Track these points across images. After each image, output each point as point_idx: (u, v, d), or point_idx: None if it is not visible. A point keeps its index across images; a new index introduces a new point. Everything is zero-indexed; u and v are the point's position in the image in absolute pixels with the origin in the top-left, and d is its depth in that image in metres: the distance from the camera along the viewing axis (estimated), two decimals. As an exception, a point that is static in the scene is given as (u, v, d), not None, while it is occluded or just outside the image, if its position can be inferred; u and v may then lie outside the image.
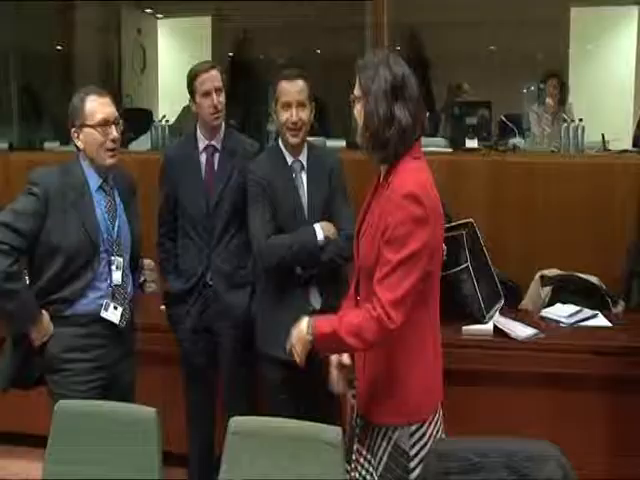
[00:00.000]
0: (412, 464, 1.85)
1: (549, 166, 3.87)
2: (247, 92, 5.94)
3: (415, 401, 1.87)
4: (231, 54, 6.51)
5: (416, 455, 1.85)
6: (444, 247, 2.16)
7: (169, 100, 6.86)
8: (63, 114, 2.44)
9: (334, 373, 1.99)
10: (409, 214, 1.73)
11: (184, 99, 5.68)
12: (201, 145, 2.85)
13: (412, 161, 1.83)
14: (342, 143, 4.50)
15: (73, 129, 2.41)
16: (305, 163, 2.67)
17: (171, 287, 2.91)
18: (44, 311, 2.38)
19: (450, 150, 4.21)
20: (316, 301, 2.62)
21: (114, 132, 2.39)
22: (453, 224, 3.08)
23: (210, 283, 2.83)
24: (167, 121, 4.74)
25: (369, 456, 1.92)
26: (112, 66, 6.79)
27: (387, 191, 1.80)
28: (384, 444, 1.88)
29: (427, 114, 1.97)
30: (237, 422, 1.85)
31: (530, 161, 3.95)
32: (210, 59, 6.80)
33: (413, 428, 1.86)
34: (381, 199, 1.83)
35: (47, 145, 5.16)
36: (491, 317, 2.97)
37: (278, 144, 2.69)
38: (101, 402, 2.07)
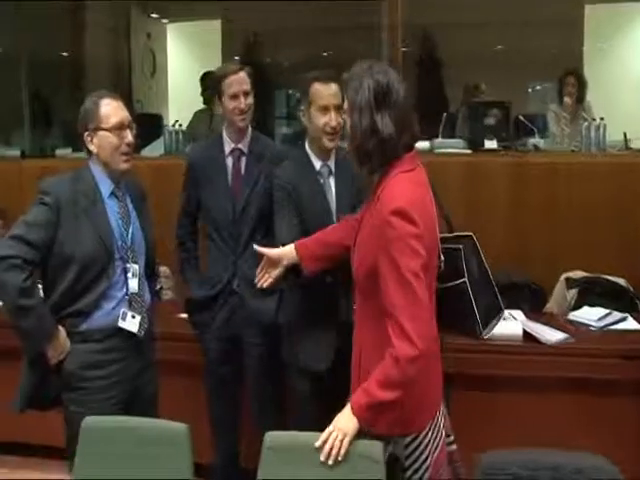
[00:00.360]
0: (407, 474, 1.83)
1: (571, 166, 3.81)
2: (257, 95, 5.90)
3: (409, 413, 1.82)
4: (241, 57, 6.46)
5: (411, 465, 1.84)
6: (442, 258, 2.09)
7: (178, 105, 6.85)
8: (73, 121, 2.41)
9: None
10: (399, 232, 1.70)
11: (193, 103, 5.75)
12: (227, 148, 2.80)
13: (403, 173, 1.79)
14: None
15: (86, 133, 2.35)
16: (333, 168, 2.59)
17: (194, 294, 2.86)
18: (61, 327, 2.30)
19: (469, 151, 4.16)
20: (343, 313, 2.50)
21: (129, 136, 2.35)
22: (451, 235, 2.94)
23: (236, 290, 2.77)
24: (180, 125, 4.71)
25: None
26: (122, 71, 6.76)
27: (377, 205, 1.78)
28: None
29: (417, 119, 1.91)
30: (272, 437, 1.80)
31: (552, 161, 3.89)
32: (220, 63, 6.80)
33: (408, 439, 1.84)
34: (372, 212, 1.81)
35: (59, 152, 5.13)
36: (488, 332, 2.84)
37: (304, 148, 2.59)
38: (129, 418, 2.03)
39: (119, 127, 2.33)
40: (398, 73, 1.85)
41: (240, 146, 2.79)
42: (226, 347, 2.80)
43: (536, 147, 4.15)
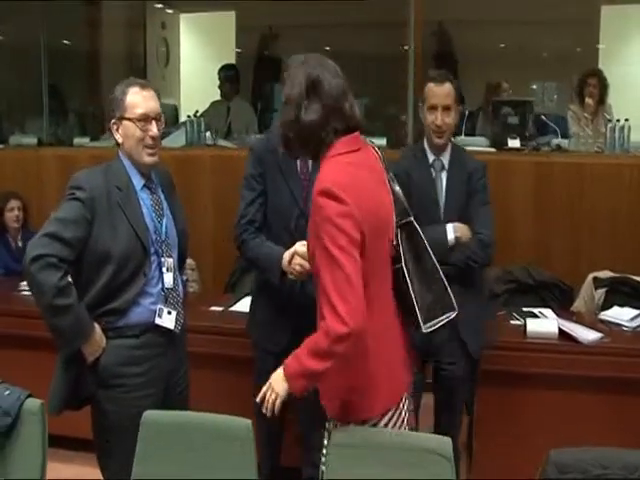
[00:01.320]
0: None
1: (596, 166, 3.85)
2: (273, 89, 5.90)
3: (359, 397, 1.83)
4: (256, 50, 6.45)
5: None
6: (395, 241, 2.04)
7: (190, 95, 6.82)
8: (89, 110, 2.34)
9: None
10: (327, 212, 1.71)
11: (205, 94, 5.72)
12: None
13: (335, 156, 1.80)
14: (382, 142, 4.47)
15: (112, 121, 2.27)
16: (446, 163, 2.73)
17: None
18: (96, 324, 2.21)
19: (493, 150, 4.18)
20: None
21: (154, 128, 2.25)
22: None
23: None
24: (202, 116, 4.70)
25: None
26: (137, 61, 6.72)
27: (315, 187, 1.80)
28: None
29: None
30: (338, 434, 1.81)
31: (577, 161, 3.93)
32: (234, 55, 6.79)
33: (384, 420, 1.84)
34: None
35: (77, 141, 5.11)
36: (429, 327, 2.73)
37: (423, 141, 2.78)
38: (190, 413, 2.02)
39: (143, 119, 2.23)
40: (334, 65, 1.87)
41: None
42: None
43: (559, 147, 4.17)
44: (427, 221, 2.46)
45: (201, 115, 4.83)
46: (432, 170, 2.72)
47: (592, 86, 4.54)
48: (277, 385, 1.79)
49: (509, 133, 4.20)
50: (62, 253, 2.12)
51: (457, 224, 2.64)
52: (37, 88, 5.52)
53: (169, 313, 2.30)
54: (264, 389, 1.82)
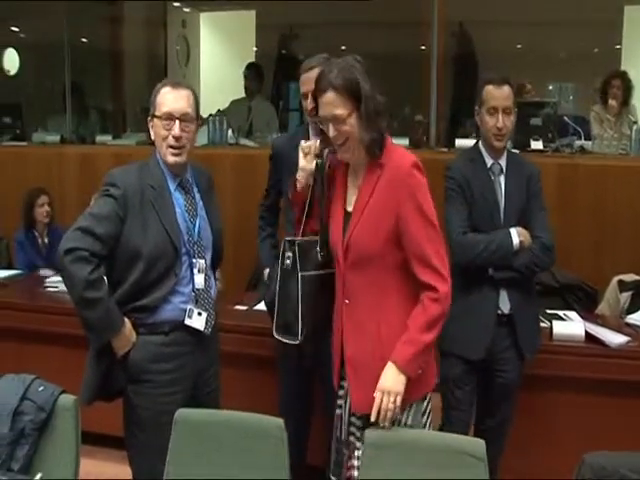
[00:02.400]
0: None
1: (621, 169, 3.84)
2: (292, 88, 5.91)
3: (428, 369, 1.95)
4: (282, 50, 6.46)
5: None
6: None
7: (210, 93, 6.84)
8: (110, 108, 2.37)
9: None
10: (420, 182, 1.89)
11: (225, 92, 5.74)
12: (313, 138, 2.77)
13: (395, 147, 1.95)
14: (405, 142, 4.47)
15: (149, 118, 2.31)
16: (504, 167, 2.68)
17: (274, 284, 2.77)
18: (126, 319, 2.24)
19: (517, 152, 4.16)
20: (505, 305, 2.60)
21: (175, 129, 2.24)
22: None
23: None
24: (223, 114, 4.72)
25: None
26: (158, 60, 6.76)
27: (384, 170, 1.87)
28: None
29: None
30: (373, 434, 1.82)
31: (601, 163, 3.91)
32: (254, 54, 6.81)
33: (425, 403, 1.95)
34: (376, 180, 1.89)
35: (99, 138, 5.15)
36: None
37: (478, 144, 2.70)
38: (222, 411, 2.03)
39: (167, 117, 2.24)
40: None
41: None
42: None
43: (582, 148, 4.16)
44: (488, 226, 2.60)
45: (222, 112, 4.86)
46: (491, 174, 2.66)
47: (616, 87, 4.52)
48: (393, 385, 1.84)
49: (532, 135, 4.19)
50: (94, 247, 2.15)
51: (520, 228, 2.60)
52: (58, 86, 5.59)
53: (199, 314, 2.31)
54: (377, 402, 1.84)
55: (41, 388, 2.04)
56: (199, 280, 2.31)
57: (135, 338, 2.25)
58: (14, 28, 7.01)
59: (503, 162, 2.68)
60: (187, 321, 2.28)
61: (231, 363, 2.98)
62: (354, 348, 1.94)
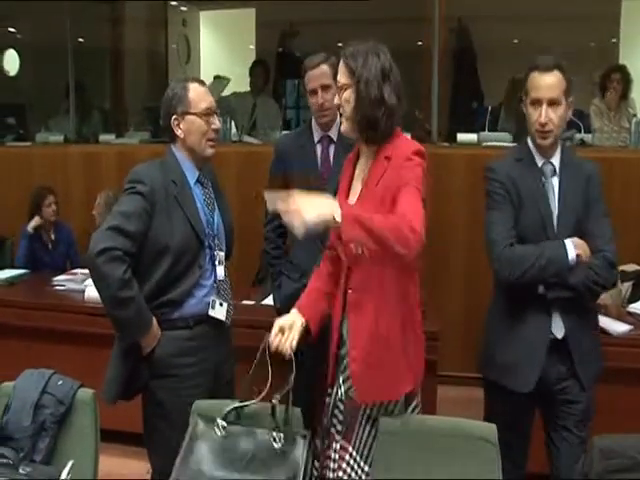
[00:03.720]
0: None
1: (621, 161, 3.88)
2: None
3: (415, 367, 1.96)
4: (279, 48, 6.49)
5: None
6: None
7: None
8: (112, 107, 2.38)
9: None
10: (420, 165, 1.86)
11: (226, 91, 5.75)
12: (317, 136, 2.76)
13: (402, 135, 1.96)
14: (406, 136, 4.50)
15: (174, 117, 2.30)
16: (558, 167, 2.32)
17: (284, 289, 2.80)
18: (153, 316, 2.27)
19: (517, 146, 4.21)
20: (558, 329, 2.27)
21: (217, 122, 2.34)
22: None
23: None
24: (228, 110, 4.75)
25: (356, 449, 1.92)
26: (159, 58, 6.78)
27: (390, 163, 1.88)
28: (373, 430, 1.91)
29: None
30: (387, 421, 1.86)
31: (601, 156, 3.93)
32: (254, 52, 6.83)
33: (411, 403, 1.94)
34: (382, 173, 1.89)
35: (102, 137, 5.18)
36: None
37: (527, 141, 2.35)
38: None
39: (207, 112, 2.30)
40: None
41: (330, 134, 2.75)
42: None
43: (583, 141, 4.20)
44: (539, 237, 2.26)
45: (222, 101, 4.87)
46: (542, 176, 2.30)
47: (615, 81, 4.56)
48: (315, 209, 1.67)
49: (532, 128, 4.22)
50: (126, 246, 2.19)
51: (576, 240, 2.22)
52: (60, 86, 5.61)
53: (221, 305, 2.37)
54: (289, 206, 1.69)
55: (60, 382, 2.08)
56: (220, 271, 2.38)
57: (159, 334, 2.29)
58: (13, 29, 7.03)
59: (556, 161, 2.31)
60: (210, 312, 2.34)
61: (239, 357, 3.03)
62: (355, 338, 1.96)
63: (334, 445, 1.97)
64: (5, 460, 1.86)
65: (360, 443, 1.92)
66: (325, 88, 2.66)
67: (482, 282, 4.00)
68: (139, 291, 2.23)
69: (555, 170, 2.31)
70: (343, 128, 1.99)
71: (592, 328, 2.40)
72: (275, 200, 1.72)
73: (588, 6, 5.82)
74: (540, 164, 2.31)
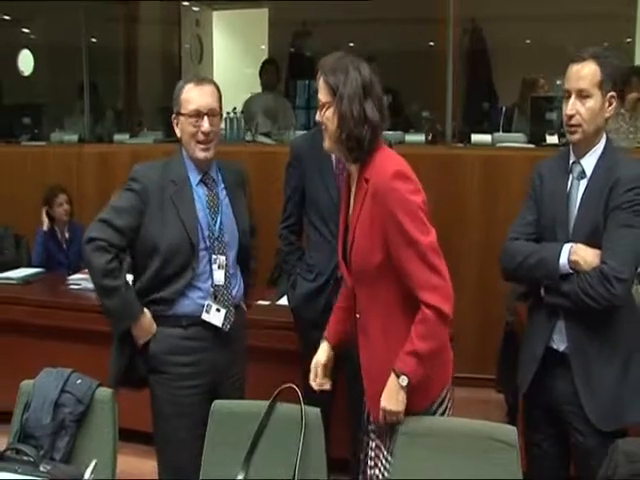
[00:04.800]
0: None
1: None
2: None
3: (435, 380, 1.92)
4: (291, 48, 6.49)
5: None
6: None
7: (223, 91, 6.89)
8: (126, 106, 2.38)
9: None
10: (400, 194, 1.81)
11: (238, 90, 5.78)
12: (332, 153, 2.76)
13: (382, 151, 1.90)
14: (421, 137, 4.50)
15: (173, 115, 2.34)
16: (589, 169, 2.11)
17: (300, 289, 2.77)
18: (146, 310, 2.30)
19: (532, 146, 4.20)
20: (560, 341, 2.13)
21: (205, 124, 2.26)
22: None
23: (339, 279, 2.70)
24: (242, 112, 4.76)
25: (385, 446, 1.94)
26: (172, 58, 6.81)
27: (369, 185, 1.86)
28: None
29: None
30: (407, 421, 1.86)
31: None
32: (267, 52, 6.85)
33: (434, 408, 1.92)
34: (363, 197, 1.88)
35: (117, 137, 5.20)
36: None
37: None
38: (257, 402, 2.04)
39: (195, 114, 2.25)
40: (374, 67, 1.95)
41: None
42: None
43: (598, 142, 4.18)
44: (551, 239, 2.14)
45: (241, 112, 4.90)
46: (570, 176, 2.14)
47: (633, 83, 4.54)
48: (394, 405, 1.84)
49: (547, 129, 4.22)
50: (112, 239, 2.24)
51: (579, 246, 2.06)
52: (74, 86, 5.64)
53: (218, 310, 2.32)
54: (381, 420, 1.88)
55: (79, 381, 2.09)
56: (218, 276, 2.33)
57: (155, 329, 2.31)
58: (27, 29, 7.08)
59: (589, 162, 2.10)
60: (204, 316, 2.31)
61: (255, 357, 3.04)
62: (366, 360, 1.97)
63: (371, 443, 2.01)
64: (27, 457, 1.88)
65: (391, 443, 1.92)
66: None
67: (496, 283, 4.01)
68: (126, 282, 2.29)
69: (584, 173, 2.11)
70: (326, 146, 1.95)
71: (611, 349, 2.08)
72: None
73: (602, 5, 5.79)
74: (570, 164, 2.15)
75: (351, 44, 6.55)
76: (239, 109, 5.01)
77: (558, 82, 6.94)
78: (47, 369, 2.15)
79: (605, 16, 5.94)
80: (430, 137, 4.52)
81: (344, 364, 2.69)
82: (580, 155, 2.12)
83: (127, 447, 2.23)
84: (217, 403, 2.04)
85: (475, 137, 4.39)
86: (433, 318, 1.79)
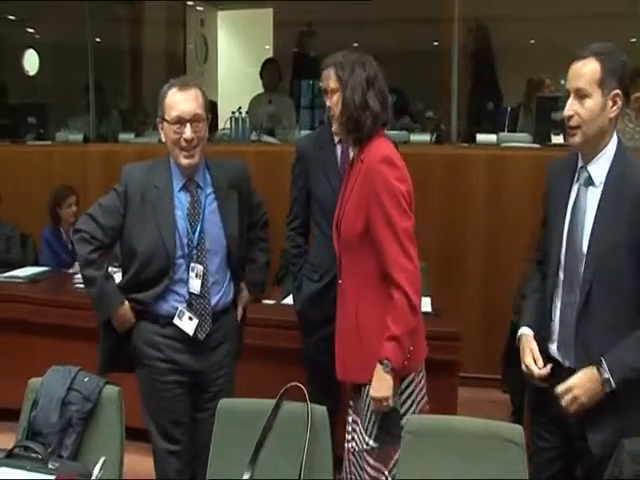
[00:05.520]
0: (402, 421, 2.01)
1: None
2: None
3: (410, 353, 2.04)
4: (295, 48, 6.49)
5: (406, 413, 2.06)
6: None
7: (227, 91, 6.91)
8: (130, 106, 2.36)
9: None
10: (385, 177, 2.00)
11: (242, 90, 5.79)
12: (336, 137, 2.70)
13: (380, 138, 2.11)
14: (426, 137, 4.50)
15: (157, 120, 2.32)
16: (596, 177, 1.90)
17: (305, 290, 2.77)
18: (126, 302, 2.34)
19: (537, 146, 4.20)
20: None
21: (187, 131, 2.21)
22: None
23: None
24: (247, 113, 4.77)
25: (361, 421, 2.10)
26: (177, 58, 6.83)
27: (363, 165, 2.07)
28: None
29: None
30: (413, 421, 1.87)
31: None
32: (271, 52, 6.85)
33: (403, 385, 2.07)
34: (357, 174, 2.09)
35: (122, 136, 5.22)
36: None
37: None
38: (263, 400, 2.05)
39: (177, 121, 2.21)
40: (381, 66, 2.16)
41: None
42: (326, 336, 2.67)
43: (604, 143, 4.17)
44: (557, 261, 1.95)
45: (247, 112, 4.92)
46: (575, 184, 1.94)
47: (637, 83, 4.51)
48: (380, 391, 1.99)
49: (553, 129, 4.22)
50: (95, 233, 2.31)
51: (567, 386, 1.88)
52: (79, 86, 5.65)
53: (190, 319, 2.31)
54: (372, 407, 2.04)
55: (86, 379, 2.11)
56: (194, 285, 2.31)
57: (132, 321, 2.36)
58: (32, 29, 7.10)
59: (597, 169, 1.90)
60: (176, 321, 2.32)
61: (260, 356, 3.06)
62: (341, 322, 2.18)
63: (348, 418, 2.21)
64: (35, 455, 1.89)
65: (365, 419, 2.08)
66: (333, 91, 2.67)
67: (501, 283, 4.04)
68: (107, 275, 2.35)
69: (591, 178, 1.91)
70: (334, 128, 2.17)
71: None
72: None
73: (607, 6, 5.78)
74: (578, 168, 1.95)
75: (355, 44, 6.55)
76: (244, 109, 5.02)
77: (562, 82, 6.96)
78: (54, 367, 2.17)
79: (610, 16, 5.93)
80: (435, 137, 4.50)
81: None
82: (588, 160, 1.92)
83: (132, 445, 2.22)
84: (223, 402, 2.04)
85: (480, 137, 4.39)
86: (404, 304, 1.97)
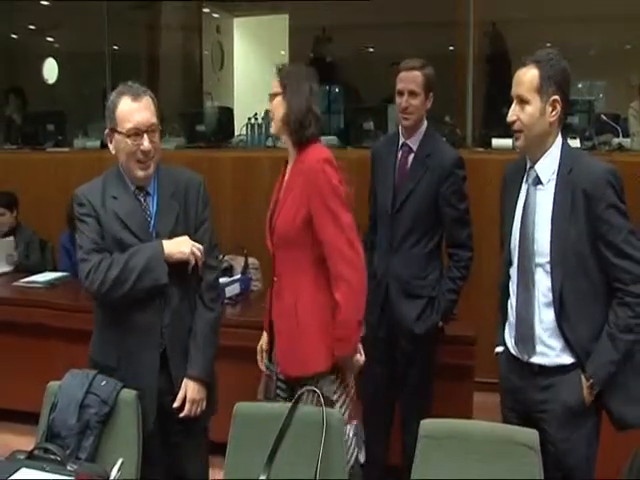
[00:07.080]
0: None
1: (660, 166, 3.81)
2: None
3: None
4: (311, 54, 6.53)
5: (338, 400, 2.20)
6: None
7: (243, 97, 6.95)
8: None
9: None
10: (328, 177, 2.12)
11: (258, 96, 5.82)
12: (400, 142, 2.80)
13: (318, 144, 2.23)
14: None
15: (106, 131, 2.17)
16: (545, 176, 2.02)
17: None
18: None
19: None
20: None
21: (145, 142, 2.10)
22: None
23: (388, 287, 2.74)
24: (263, 119, 4.79)
25: None
26: (193, 64, 6.89)
27: (303, 165, 2.17)
28: (310, 397, 2.08)
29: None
30: (428, 425, 1.87)
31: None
32: (287, 58, 6.89)
33: (333, 376, 2.21)
34: (296, 174, 2.20)
35: (137, 142, 5.26)
36: None
37: None
38: (281, 404, 2.07)
39: (134, 133, 2.10)
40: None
41: (409, 142, 2.78)
42: (380, 346, 2.76)
43: (621, 146, 4.15)
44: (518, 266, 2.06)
45: (262, 118, 4.94)
46: (524, 184, 2.05)
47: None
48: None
49: (568, 133, 4.19)
50: (97, 241, 2.19)
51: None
52: (97, 93, 5.72)
53: None
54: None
55: (103, 383, 2.13)
56: None
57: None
58: (51, 38, 7.19)
59: (543, 168, 2.00)
60: None
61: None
62: (279, 320, 2.29)
63: (279, 399, 2.30)
64: (54, 456, 1.92)
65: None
66: (412, 94, 2.73)
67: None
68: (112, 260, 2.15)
69: (538, 177, 2.01)
70: (273, 129, 2.30)
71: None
72: None
73: (623, 7, 5.74)
74: (527, 168, 2.06)
75: (371, 49, 6.57)
76: (260, 115, 5.04)
77: (580, 85, 6.93)
78: (72, 371, 2.19)
79: (626, 18, 5.90)
80: (451, 142, 4.49)
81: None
82: (534, 161, 2.02)
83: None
84: (239, 405, 2.05)
85: (496, 142, 4.37)
86: (347, 290, 2.13)
